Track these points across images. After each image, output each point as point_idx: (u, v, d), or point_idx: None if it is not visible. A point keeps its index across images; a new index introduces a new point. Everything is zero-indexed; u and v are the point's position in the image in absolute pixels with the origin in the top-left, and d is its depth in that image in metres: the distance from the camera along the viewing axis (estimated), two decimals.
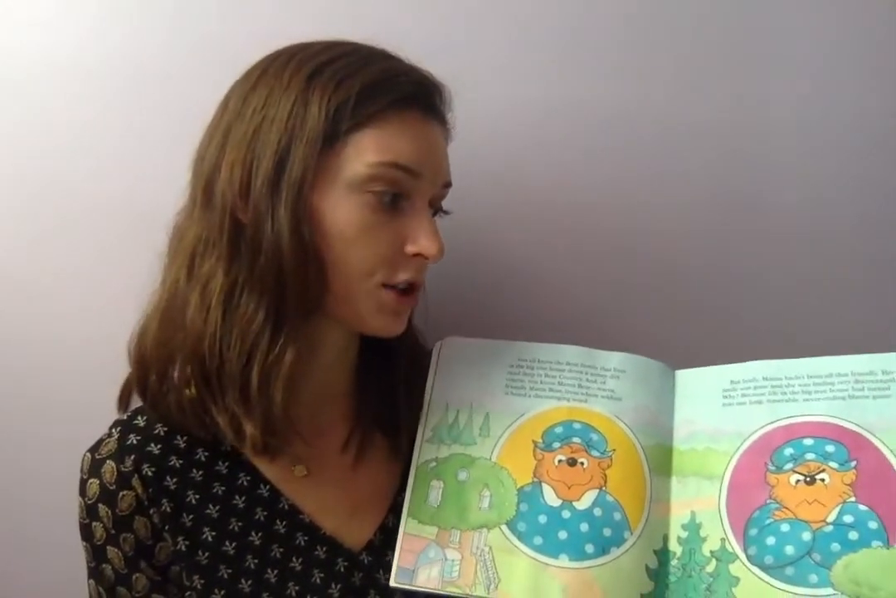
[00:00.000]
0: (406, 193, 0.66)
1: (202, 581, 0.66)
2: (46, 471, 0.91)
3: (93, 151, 0.89)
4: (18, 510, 0.93)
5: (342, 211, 0.63)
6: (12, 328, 0.92)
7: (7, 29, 0.88)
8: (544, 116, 0.90)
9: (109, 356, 0.85)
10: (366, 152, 0.63)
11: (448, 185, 0.71)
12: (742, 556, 0.59)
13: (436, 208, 0.71)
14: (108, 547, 0.67)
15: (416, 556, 0.65)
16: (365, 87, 0.63)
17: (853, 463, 0.59)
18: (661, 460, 0.67)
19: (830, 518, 0.58)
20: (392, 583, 0.64)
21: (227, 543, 0.67)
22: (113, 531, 0.67)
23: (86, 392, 0.88)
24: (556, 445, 0.67)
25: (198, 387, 0.65)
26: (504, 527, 0.65)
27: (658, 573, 0.63)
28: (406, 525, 0.66)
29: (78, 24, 0.88)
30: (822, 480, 0.59)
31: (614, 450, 0.67)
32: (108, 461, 0.67)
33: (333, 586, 0.68)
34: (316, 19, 0.87)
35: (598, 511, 0.64)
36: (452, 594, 0.63)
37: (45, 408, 0.92)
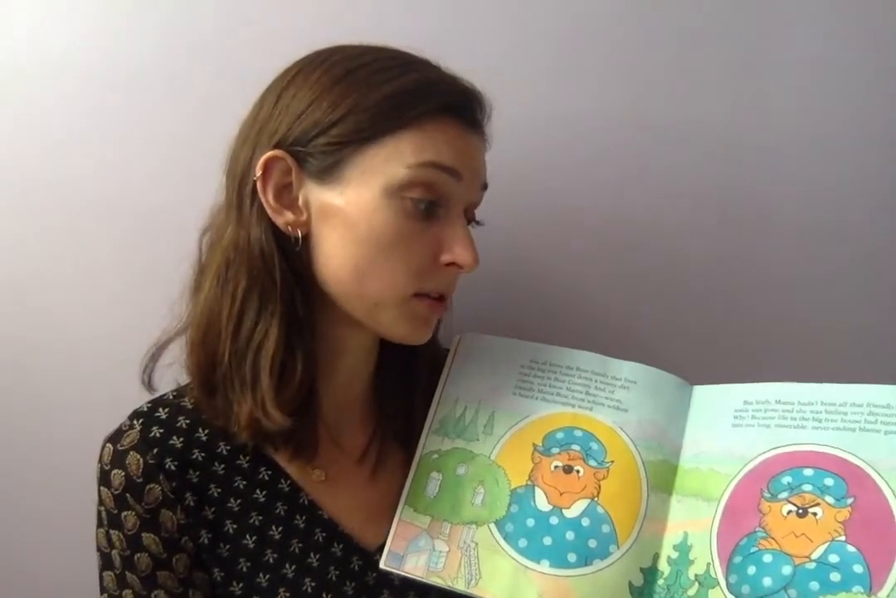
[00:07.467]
0: (443, 199, 0.65)
1: (222, 574, 0.67)
2: (47, 471, 0.93)
3: (91, 151, 0.89)
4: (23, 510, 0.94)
5: (378, 217, 0.63)
6: (12, 328, 0.92)
7: (5, 28, 0.88)
8: (549, 120, 0.88)
9: (109, 354, 0.90)
10: (404, 154, 0.62)
11: (485, 187, 0.70)
12: (722, 583, 0.57)
13: (469, 218, 0.70)
14: (144, 534, 0.66)
15: (407, 542, 0.66)
16: (405, 90, 0.63)
17: (850, 500, 0.54)
18: (663, 477, 0.64)
19: (815, 555, 0.54)
20: (381, 565, 0.66)
21: (247, 537, 0.67)
22: (147, 516, 0.65)
23: (89, 391, 0.91)
24: (555, 450, 0.67)
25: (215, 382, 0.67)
26: (492, 526, 0.65)
27: (642, 591, 0.61)
28: (402, 512, 0.68)
29: (74, 23, 0.87)
30: (815, 514, 0.55)
31: (613, 461, 0.65)
32: (131, 453, 0.66)
33: (348, 584, 0.69)
34: (319, 21, 0.85)
35: (586, 521, 0.63)
36: (435, 584, 0.64)
37: (45, 407, 0.92)
